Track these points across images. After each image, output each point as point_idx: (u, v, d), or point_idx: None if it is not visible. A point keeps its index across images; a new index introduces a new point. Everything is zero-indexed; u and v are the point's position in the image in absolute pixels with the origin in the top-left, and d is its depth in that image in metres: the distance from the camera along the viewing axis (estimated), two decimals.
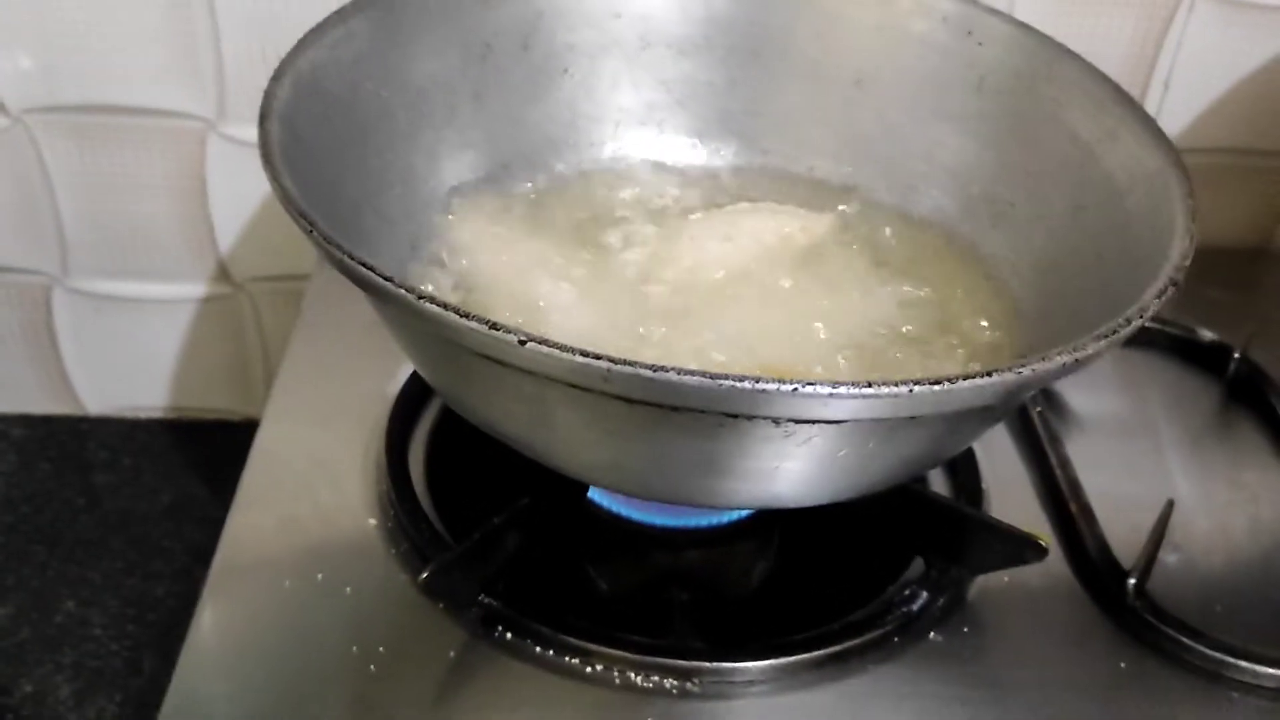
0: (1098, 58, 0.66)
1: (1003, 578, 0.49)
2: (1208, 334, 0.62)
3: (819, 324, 0.49)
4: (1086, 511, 0.52)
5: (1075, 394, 0.59)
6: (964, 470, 0.53)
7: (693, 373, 0.33)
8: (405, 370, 0.57)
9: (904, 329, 0.50)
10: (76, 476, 0.74)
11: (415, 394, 0.56)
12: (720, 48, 0.58)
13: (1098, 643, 0.47)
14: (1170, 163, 0.46)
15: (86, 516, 0.72)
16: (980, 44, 0.54)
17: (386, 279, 0.36)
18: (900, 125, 0.57)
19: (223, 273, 0.73)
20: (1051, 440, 0.55)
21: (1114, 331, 0.37)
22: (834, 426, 0.36)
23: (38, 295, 0.74)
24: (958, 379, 0.34)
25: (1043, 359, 0.35)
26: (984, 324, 0.50)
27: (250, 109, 0.66)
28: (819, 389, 0.33)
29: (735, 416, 0.35)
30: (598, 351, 0.34)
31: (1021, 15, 0.64)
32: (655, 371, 0.33)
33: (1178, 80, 0.67)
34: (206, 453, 0.77)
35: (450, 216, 0.53)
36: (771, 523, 0.53)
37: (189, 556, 0.70)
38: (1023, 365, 0.35)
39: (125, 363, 0.77)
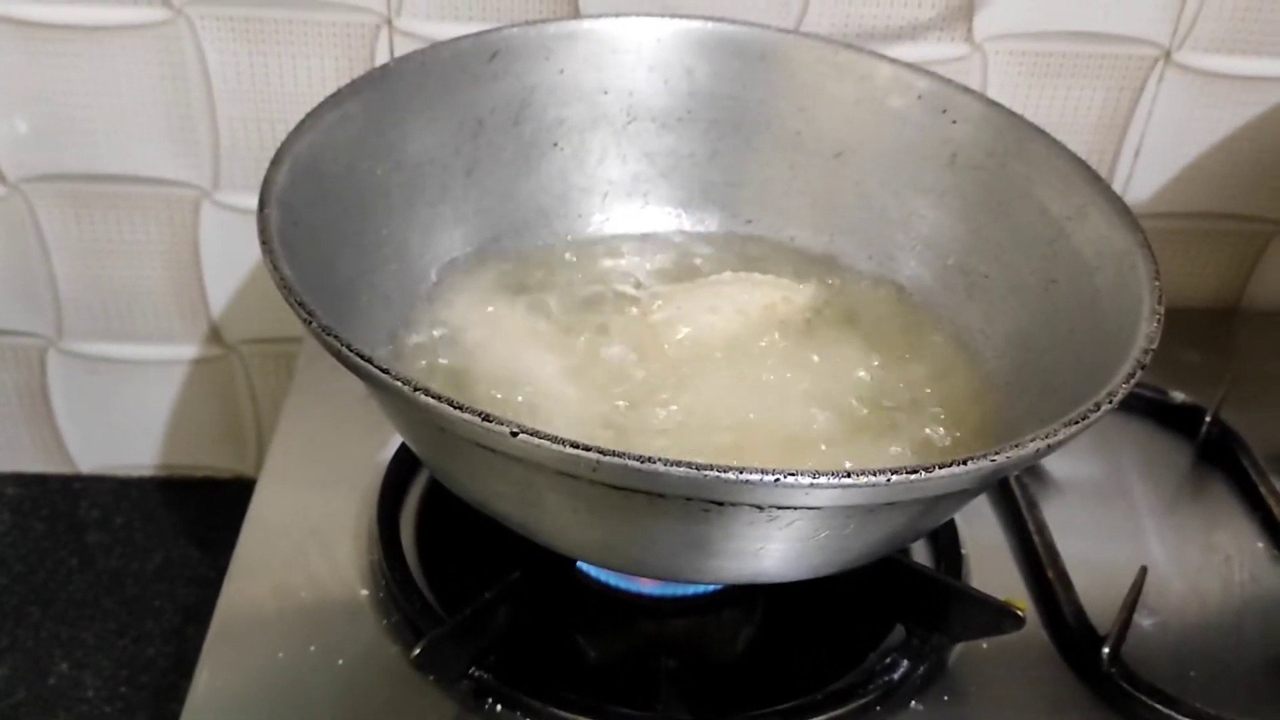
0: (1071, 126, 0.69)
1: (982, 644, 0.50)
2: (1179, 395, 0.64)
3: (805, 393, 0.50)
4: (1063, 577, 0.53)
5: (1051, 457, 0.60)
6: (944, 537, 0.54)
7: (678, 463, 0.35)
8: (396, 438, 0.58)
9: (883, 400, 0.51)
10: (69, 536, 0.75)
11: (405, 463, 0.57)
12: (703, 121, 0.60)
13: (1075, 710, 0.48)
14: (1137, 243, 0.47)
15: (79, 577, 0.73)
16: (954, 121, 0.56)
17: (383, 370, 0.37)
18: (878, 197, 0.58)
19: (214, 335, 0.74)
20: (1029, 505, 0.56)
21: (1084, 418, 0.38)
22: (815, 511, 0.37)
23: (32, 356, 0.75)
24: (933, 468, 0.36)
25: (1016, 446, 0.37)
26: (960, 393, 0.52)
27: (244, 178, 0.69)
28: (800, 480, 0.35)
29: (720, 504, 0.37)
30: (586, 443, 0.35)
31: (995, 83, 0.67)
32: (643, 463, 0.35)
33: (1148, 147, 0.69)
34: (197, 511, 0.78)
35: (443, 291, 0.54)
36: (755, 592, 0.54)
37: (180, 616, 0.71)
38: (997, 453, 0.36)
39: (118, 422, 0.78)
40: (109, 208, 0.69)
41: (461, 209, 0.56)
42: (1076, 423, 0.38)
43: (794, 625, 0.54)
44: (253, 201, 0.68)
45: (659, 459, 0.35)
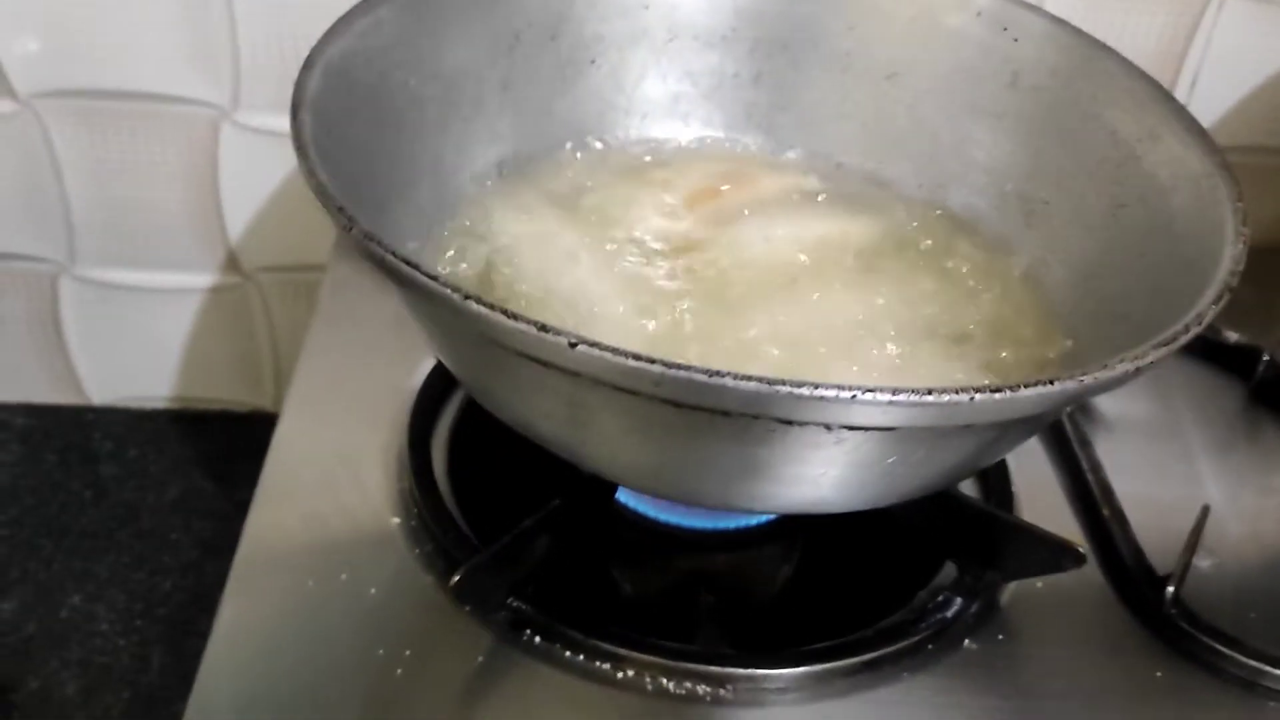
0: (1126, 54, 0.66)
1: (1036, 583, 0.49)
2: (1234, 335, 0.62)
3: (860, 324, 0.48)
4: (1119, 516, 0.51)
5: (1102, 397, 0.59)
6: (994, 474, 0.52)
7: (749, 378, 0.32)
8: (425, 365, 0.56)
9: (942, 328, 0.49)
10: (82, 468, 0.73)
11: (436, 389, 0.54)
12: (747, 39, 0.57)
13: (1133, 651, 0.47)
14: (1217, 165, 0.45)
15: (93, 509, 0.71)
16: (1015, 39, 0.53)
17: (430, 277, 0.35)
18: (932, 121, 0.56)
19: (232, 262, 0.72)
20: (1082, 444, 0.54)
21: (1174, 339, 0.36)
22: (887, 433, 0.35)
23: (44, 283, 0.72)
24: (1019, 387, 0.33)
25: (1104, 367, 0.35)
26: (1023, 324, 0.50)
27: (265, 97, 0.66)
28: (878, 396, 0.32)
29: (789, 423, 0.35)
30: (650, 355, 0.33)
31: (1051, 10, 0.64)
32: (710, 376, 0.32)
33: (1205, 78, 0.67)
34: (213, 445, 0.76)
35: (478, 207, 0.52)
36: (799, 525, 0.52)
37: (197, 550, 0.69)
38: (1084, 374, 0.34)
39: (131, 352, 0.76)
40: (124, 127, 0.67)
41: (497, 125, 0.54)
42: (1165, 345, 0.36)
43: (837, 562, 0.52)
44: (275, 123, 0.67)
45: (728, 372, 0.33)
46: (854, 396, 0.32)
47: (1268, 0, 0.64)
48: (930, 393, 0.33)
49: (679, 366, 0.33)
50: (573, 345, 0.33)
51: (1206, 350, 0.62)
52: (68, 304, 0.73)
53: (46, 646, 0.63)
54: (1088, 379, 0.34)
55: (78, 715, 0.60)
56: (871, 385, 0.33)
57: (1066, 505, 0.53)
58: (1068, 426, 0.55)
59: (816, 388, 0.32)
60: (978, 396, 0.33)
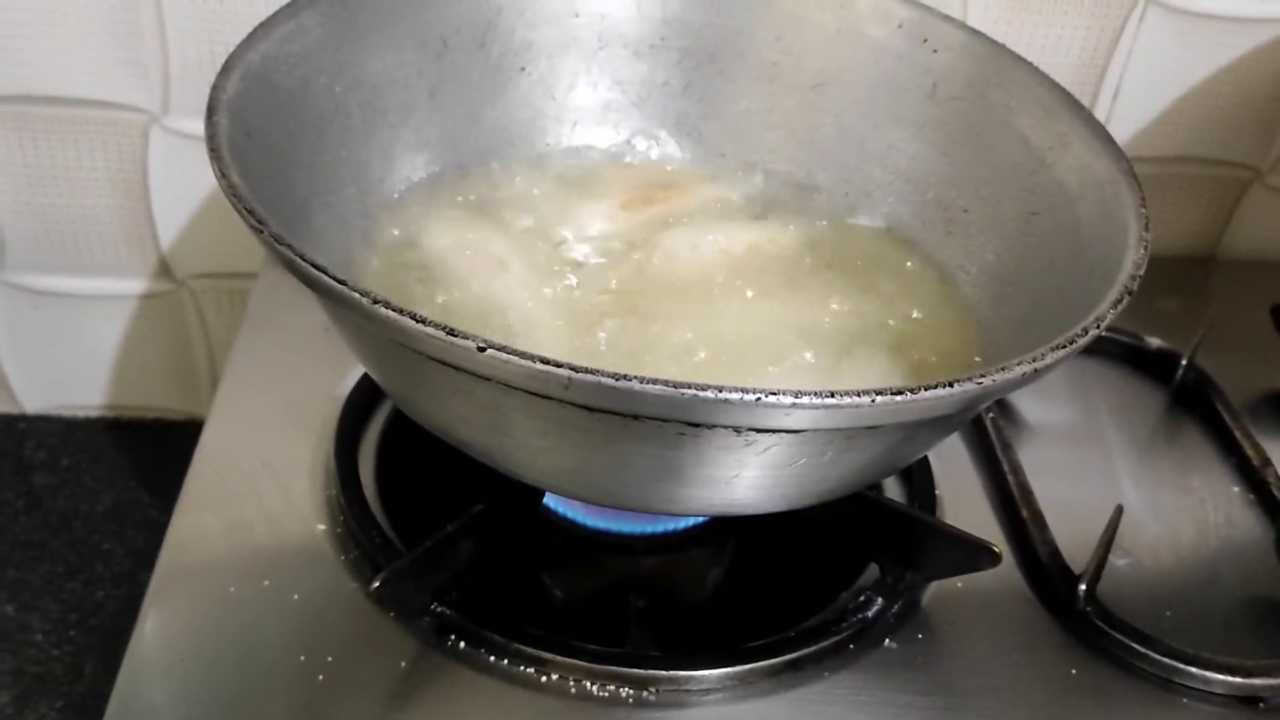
0: (1049, 66, 0.66)
1: (956, 583, 0.49)
2: (1155, 341, 0.63)
3: (785, 331, 0.48)
4: (1038, 517, 0.52)
5: (1025, 400, 0.60)
6: (918, 476, 0.53)
7: (655, 381, 0.33)
8: (354, 372, 0.56)
9: (863, 333, 0.50)
10: (15, 477, 0.72)
11: (365, 396, 0.55)
12: (676, 49, 0.58)
13: (1049, 649, 0.47)
14: (1122, 171, 0.46)
15: (25, 518, 0.70)
16: (935, 50, 0.54)
17: (339, 281, 0.35)
18: (857, 130, 0.57)
19: (164, 269, 0.72)
20: (1004, 447, 0.55)
21: (1071, 341, 0.37)
22: (794, 435, 0.36)
23: None
24: (919, 389, 0.34)
25: (1003, 369, 0.35)
26: (944, 332, 0.50)
27: (195, 102, 0.66)
28: (781, 399, 0.33)
29: (697, 425, 0.35)
30: (558, 360, 0.33)
31: (975, 18, 0.65)
32: (618, 380, 0.33)
33: (1127, 88, 0.68)
34: (147, 453, 0.75)
35: (404, 215, 0.52)
36: (726, 528, 0.52)
37: (131, 560, 0.68)
38: (983, 376, 0.35)
39: (64, 360, 0.75)
40: (53, 132, 0.66)
41: (424, 132, 0.54)
42: (1063, 347, 0.37)
43: (765, 564, 0.52)
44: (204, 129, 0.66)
45: (634, 376, 0.33)
46: (759, 399, 0.33)
47: (1188, 12, 0.65)
48: (832, 395, 0.33)
49: (587, 370, 0.33)
50: (481, 349, 0.34)
51: (1129, 355, 0.63)
52: None
53: None
54: (986, 381, 0.35)
55: None
56: (775, 388, 0.33)
57: (988, 507, 0.54)
58: (990, 430, 0.56)
59: (721, 391, 0.33)
60: (879, 399, 0.34)
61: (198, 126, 0.66)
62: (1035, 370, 0.36)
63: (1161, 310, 0.66)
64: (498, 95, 0.56)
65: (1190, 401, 0.61)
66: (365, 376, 0.55)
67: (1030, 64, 0.51)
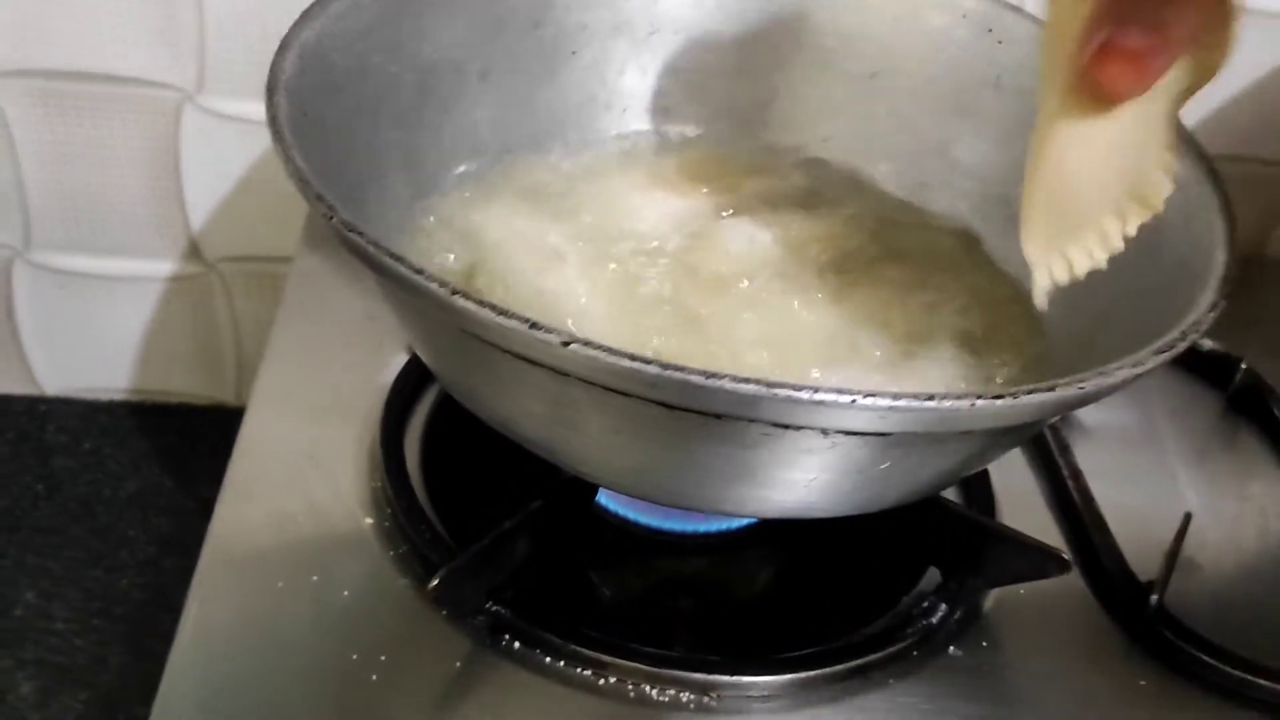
0: None
1: (1018, 590, 0.48)
2: (1209, 344, 0.62)
3: (845, 328, 0.47)
4: (1100, 523, 0.51)
5: None
6: (975, 479, 0.52)
7: (747, 380, 0.31)
8: (396, 361, 0.54)
9: (925, 332, 0.49)
10: (35, 460, 0.71)
11: (409, 386, 0.53)
12: (730, 34, 0.56)
13: (1117, 658, 0.46)
14: (1205, 170, 0.45)
15: (46, 503, 0.69)
16: (1000, 42, 0.53)
17: (416, 271, 0.34)
18: (915, 121, 0.55)
19: (194, 251, 0.70)
20: (1061, 450, 0.54)
21: (1172, 345, 0.36)
22: (882, 439, 0.35)
23: None
24: (1019, 393, 0.33)
25: (1101, 374, 0.34)
26: (1004, 327, 0.49)
27: (230, 81, 0.64)
28: (878, 401, 0.32)
29: (784, 426, 0.34)
30: (645, 355, 0.32)
31: (1039, 7, 0.63)
32: (708, 379, 0.31)
33: None
34: (172, 439, 0.74)
35: (455, 201, 0.51)
36: (780, 530, 0.51)
37: (155, 547, 0.67)
38: (1084, 380, 0.34)
39: (87, 342, 0.73)
40: (84, 109, 0.64)
41: (476, 115, 0.52)
42: (1164, 351, 0.36)
43: (819, 567, 0.51)
44: (241, 108, 0.65)
45: (725, 375, 0.32)
46: (853, 401, 0.32)
47: (1242, 9, 0.64)
48: (931, 398, 0.32)
49: (676, 368, 0.32)
50: (565, 344, 0.32)
51: (1183, 359, 0.61)
52: (22, 291, 0.71)
53: (1, 646, 0.61)
54: (1088, 385, 0.34)
55: (33, 716, 0.58)
56: (871, 390, 0.32)
57: (1047, 512, 0.52)
58: (1047, 433, 0.55)
59: (816, 391, 0.31)
60: (979, 403, 0.32)
61: (232, 106, 0.65)
62: (1136, 375, 0.35)
63: None
64: (549, 79, 0.54)
65: (1247, 406, 0.60)
66: (409, 365, 0.54)
67: None
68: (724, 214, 0.53)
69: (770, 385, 0.31)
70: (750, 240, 0.52)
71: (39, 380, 0.75)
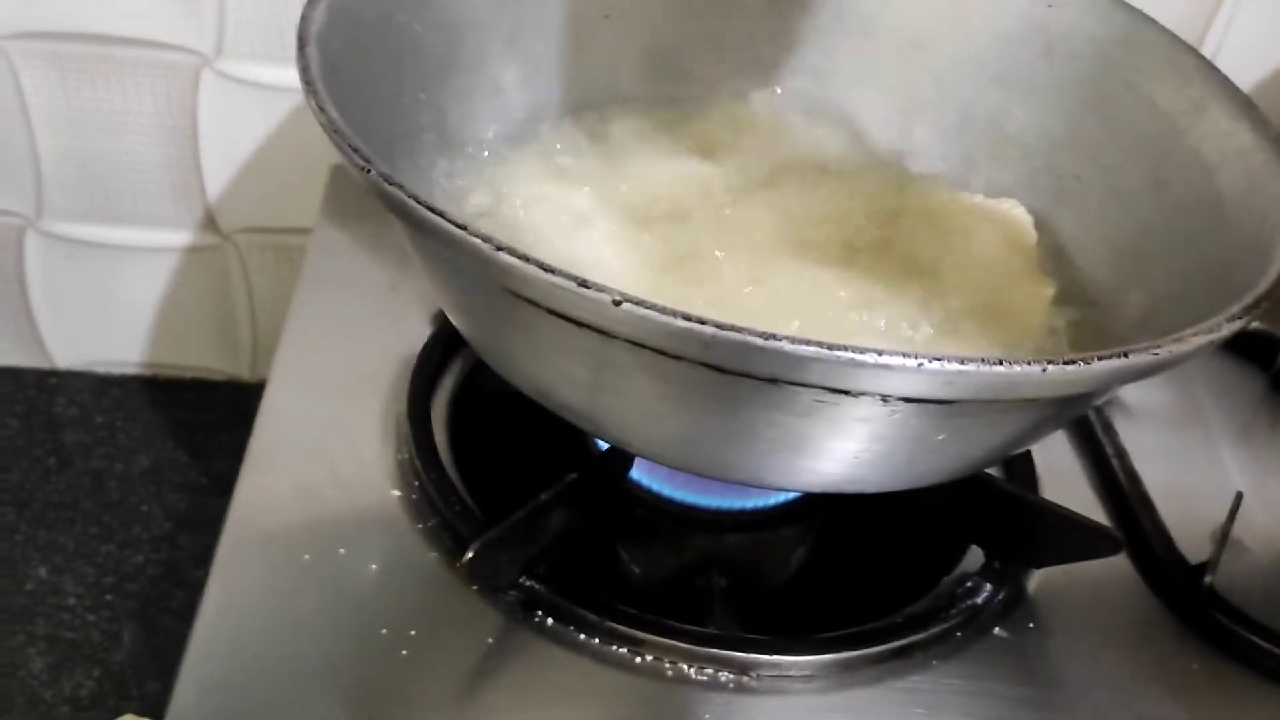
0: None
1: (1063, 572, 0.47)
2: (1254, 323, 0.60)
3: (882, 300, 0.45)
4: (1147, 504, 0.49)
5: None
6: (1018, 457, 0.51)
7: (808, 342, 0.30)
8: (419, 332, 0.53)
9: (969, 306, 0.47)
10: (46, 434, 0.69)
11: (435, 357, 0.52)
12: None
13: (1166, 641, 0.45)
14: (1269, 138, 0.43)
15: (57, 477, 0.67)
16: (1050, 5, 0.51)
17: (460, 226, 0.32)
18: (959, 91, 0.54)
19: (210, 222, 0.68)
20: (1105, 429, 0.53)
21: (1245, 312, 0.34)
22: (945, 407, 0.33)
23: (8, 237, 0.68)
24: (1091, 359, 0.31)
25: (1178, 340, 0.33)
26: (1053, 303, 0.48)
27: (250, 45, 0.62)
28: (946, 365, 0.30)
29: (843, 392, 0.32)
30: (700, 316, 0.30)
31: None
32: (765, 340, 0.30)
33: (1225, 58, 0.65)
34: (186, 414, 0.72)
35: (484, 166, 0.49)
36: (817, 506, 0.50)
37: (170, 523, 0.65)
38: (1158, 346, 0.32)
39: (99, 314, 0.72)
40: (98, 73, 0.63)
41: (501, 78, 0.51)
42: (1238, 318, 0.34)
43: (856, 544, 0.50)
44: (260, 73, 0.63)
45: (784, 336, 0.30)
46: (921, 365, 0.30)
47: None
48: (1001, 362, 0.31)
49: (733, 328, 0.30)
50: (617, 303, 0.31)
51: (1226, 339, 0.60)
52: (33, 260, 0.69)
53: (11, 621, 0.60)
54: (1162, 352, 0.32)
55: (45, 693, 0.56)
56: (938, 354, 0.30)
57: (1091, 493, 0.51)
58: (1091, 413, 0.53)
59: (882, 354, 0.30)
60: (1050, 368, 0.31)
61: (252, 71, 0.64)
62: (1210, 341, 0.33)
63: None
64: (579, 43, 0.53)
65: None
66: (435, 335, 0.52)
67: (1160, 24, 0.48)
68: (756, 182, 0.52)
69: (831, 347, 0.30)
70: (784, 210, 0.51)
71: (50, 353, 0.73)
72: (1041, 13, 0.51)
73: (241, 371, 0.74)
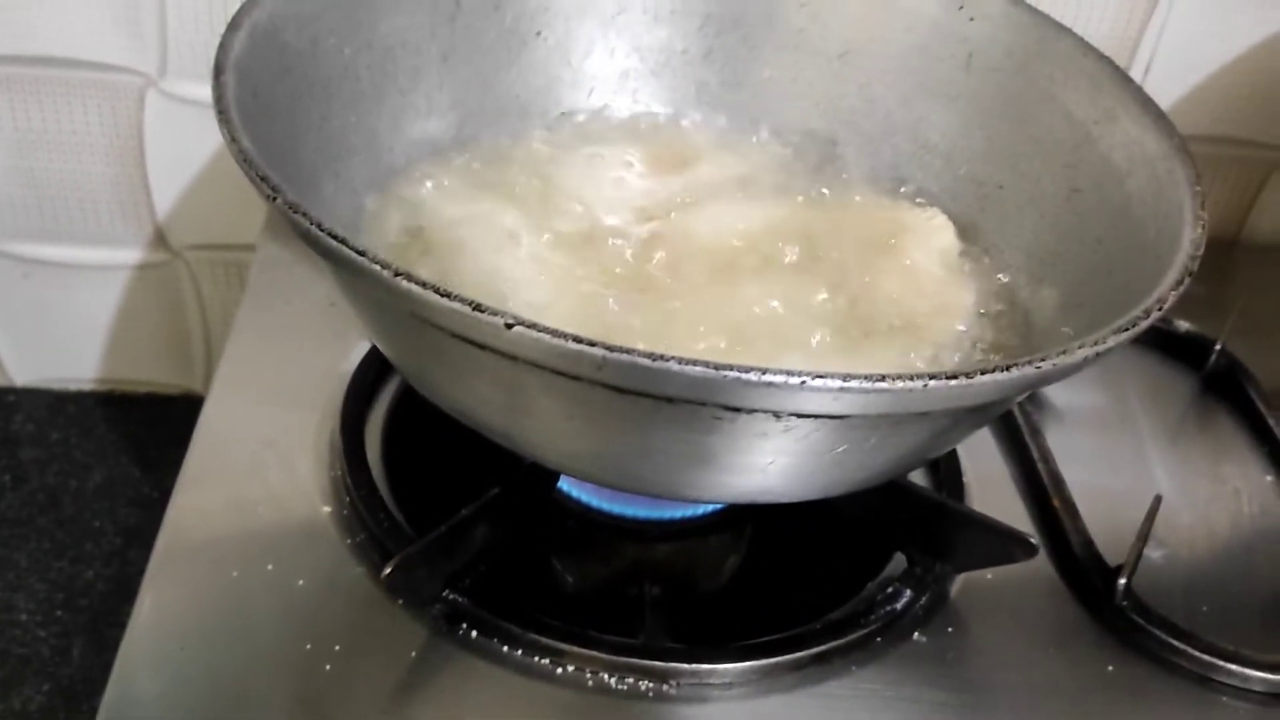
0: None
1: (985, 575, 0.48)
2: (1184, 325, 0.61)
3: (805, 313, 0.46)
4: (1070, 507, 0.50)
5: (1054, 386, 0.58)
6: (945, 463, 0.51)
7: (694, 362, 0.31)
8: (359, 349, 0.54)
9: (888, 315, 0.48)
10: (2, 451, 0.70)
11: (371, 374, 0.52)
12: (698, 15, 0.56)
13: (1084, 644, 0.46)
14: (1174, 147, 0.44)
15: (11, 494, 0.68)
16: (971, 19, 0.52)
17: (359, 253, 0.33)
18: (885, 102, 0.54)
19: (160, 239, 0.69)
20: (1033, 433, 0.53)
21: (1134, 324, 0.35)
22: (839, 421, 0.34)
23: None
24: (975, 373, 0.32)
25: (1063, 353, 0.33)
26: (976, 309, 0.48)
27: (194, 65, 0.63)
28: (829, 382, 0.31)
29: (736, 410, 0.33)
30: (591, 338, 0.31)
31: None
32: (654, 361, 0.31)
33: (1158, 66, 0.66)
34: (140, 429, 0.73)
35: (414, 185, 0.50)
36: (745, 515, 0.50)
37: (122, 538, 0.66)
38: (1042, 359, 0.33)
39: (54, 331, 0.72)
40: (45, 94, 0.63)
41: (435, 99, 0.52)
42: (1125, 330, 0.35)
43: (784, 552, 0.51)
44: (205, 92, 0.63)
45: (672, 357, 0.31)
46: (803, 383, 0.31)
47: None
48: (883, 379, 0.31)
49: (622, 350, 0.31)
50: (509, 326, 0.31)
51: (1158, 340, 0.61)
52: None
53: None
54: (1046, 365, 0.33)
55: None
56: (822, 371, 0.31)
57: (1017, 496, 0.52)
58: (1018, 416, 0.54)
59: (765, 373, 0.31)
60: (931, 383, 0.32)
61: (196, 90, 0.64)
62: (1097, 354, 0.34)
63: (1189, 294, 0.64)
64: (512, 61, 0.54)
65: (1221, 388, 0.59)
66: (371, 353, 0.53)
67: (1076, 35, 0.49)
68: (686, 197, 0.53)
69: (718, 367, 0.31)
70: (712, 224, 0.51)
71: (7, 370, 0.74)
72: (962, 25, 0.52)
73: (195, 385, 0.75)
